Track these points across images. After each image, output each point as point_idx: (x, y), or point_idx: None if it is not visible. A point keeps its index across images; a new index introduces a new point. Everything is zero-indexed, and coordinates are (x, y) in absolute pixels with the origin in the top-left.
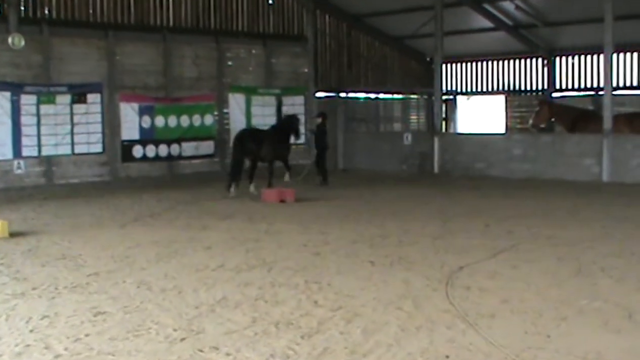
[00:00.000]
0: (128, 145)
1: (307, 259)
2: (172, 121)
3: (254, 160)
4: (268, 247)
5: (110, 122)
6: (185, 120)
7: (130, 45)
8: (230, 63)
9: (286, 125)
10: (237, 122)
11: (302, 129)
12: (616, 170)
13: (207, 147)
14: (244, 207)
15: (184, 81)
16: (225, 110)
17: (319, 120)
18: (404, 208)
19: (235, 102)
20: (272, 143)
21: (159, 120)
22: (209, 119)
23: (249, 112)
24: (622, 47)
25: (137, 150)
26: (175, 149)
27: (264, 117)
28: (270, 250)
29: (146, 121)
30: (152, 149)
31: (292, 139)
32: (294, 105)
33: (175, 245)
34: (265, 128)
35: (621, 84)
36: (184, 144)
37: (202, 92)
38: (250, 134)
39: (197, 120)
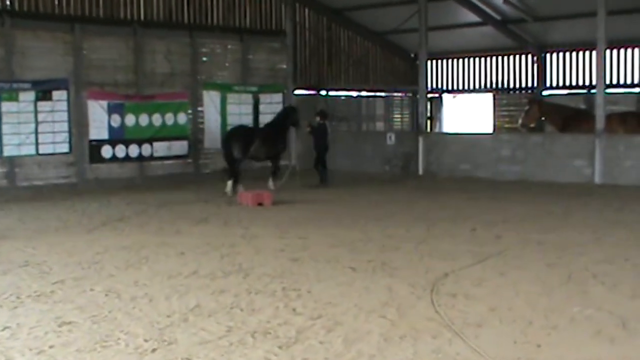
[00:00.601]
0: (96, 145)
1: (285, 265)
2: (144, 120)
3: (241, 160)
4: (244, 253)
5: (78, 120)
6: (157, 119)
7: (98, 40)
8: (204, 59)
9: (283, 120)
10: (212, 121)
11: (300, 120)
12: (609, 172)
13: (181, 147)
14: (219, 210)
15: (156, 78)
16: (199, 109)
17: (318, 119)
18: (386, 211)
19: (210, 100)
20: (265, 141)
21: (130, 119)
22: (182, 118)
23: (225, 110)
24: (615, 43)
25: (106, 151)
26: (146, 149)
27: (241, 115)
28: (246, 256)
29: (116, 120)
30: (122, 149)
31: (288, 136)
32: (272, 103)
33: (146, 250)
34: (260, 126)
35: (614, 82)
36: (156, 144)
37: (175, 89)
38: (239, 132)
39: (169, 119)
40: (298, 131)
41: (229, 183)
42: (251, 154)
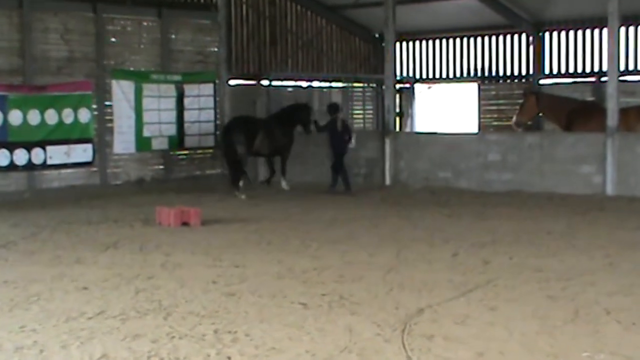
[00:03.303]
0: None
1: (217, 300)
2: (34, 117)
3: (244, 154)
4: (165, 286)
5: None
6: (51, 116)
7: None
8: (113, 39)
9: (290, 114)
10: (123, 119)
11: (313, 121)
12: (623, 181)
13: (83, 152)
14: (133, 233)
15: (50, 63)
16: (107, 103)
17: (336, 115)
18: (345, 232)
19: (121, 92)
20: (270, 134)
21: (15, 116)
22: (84, 115)
23: (140, 104)
24: (631, 20)
25: None
26: (38, 155)
27: (160, 111)
28: (168, 290)
29: None
30: (5, 155)
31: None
32: (200, 95)
33: (37, 286)
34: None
35: (630, 67)
36: (51, 149)
37: (75, 78)
38: (239, 124)
39: (68, 116)
40: (308, 133)
41: (240, 185)
42: (255, 147)
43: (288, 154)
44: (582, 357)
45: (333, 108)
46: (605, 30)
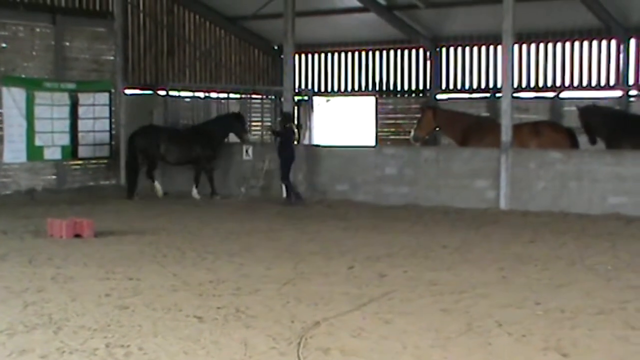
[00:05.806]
0: None
1: (110, 314)
2: None
3: (150, 160)
4: (56, 300)
5: None
6: None
7: None
8: (4, 45)
9: (213, 125)
10: (13, 127)
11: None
12: (517, 196)
13: None
14: (22, 245)
15: None
16: None
17: (290, 125)
18: (242, 244)
19: (12, 100)
20: (180, 142)
21: None
22: None
23: (32, 113)
24: (525, 38)
25: None
26: None
27: (53, 120)
28: (58, 304)
29: None
30: None
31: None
32: (95, 104)
33: None
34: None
35: (524, 84)
36: None
37: None
38: (144, 131)
39: None
40: (244, 141)
41: (156, 185)
42: (161, 155)
43: (208, 164)
44: None
45: (286, 118)
46: (500, 48)
